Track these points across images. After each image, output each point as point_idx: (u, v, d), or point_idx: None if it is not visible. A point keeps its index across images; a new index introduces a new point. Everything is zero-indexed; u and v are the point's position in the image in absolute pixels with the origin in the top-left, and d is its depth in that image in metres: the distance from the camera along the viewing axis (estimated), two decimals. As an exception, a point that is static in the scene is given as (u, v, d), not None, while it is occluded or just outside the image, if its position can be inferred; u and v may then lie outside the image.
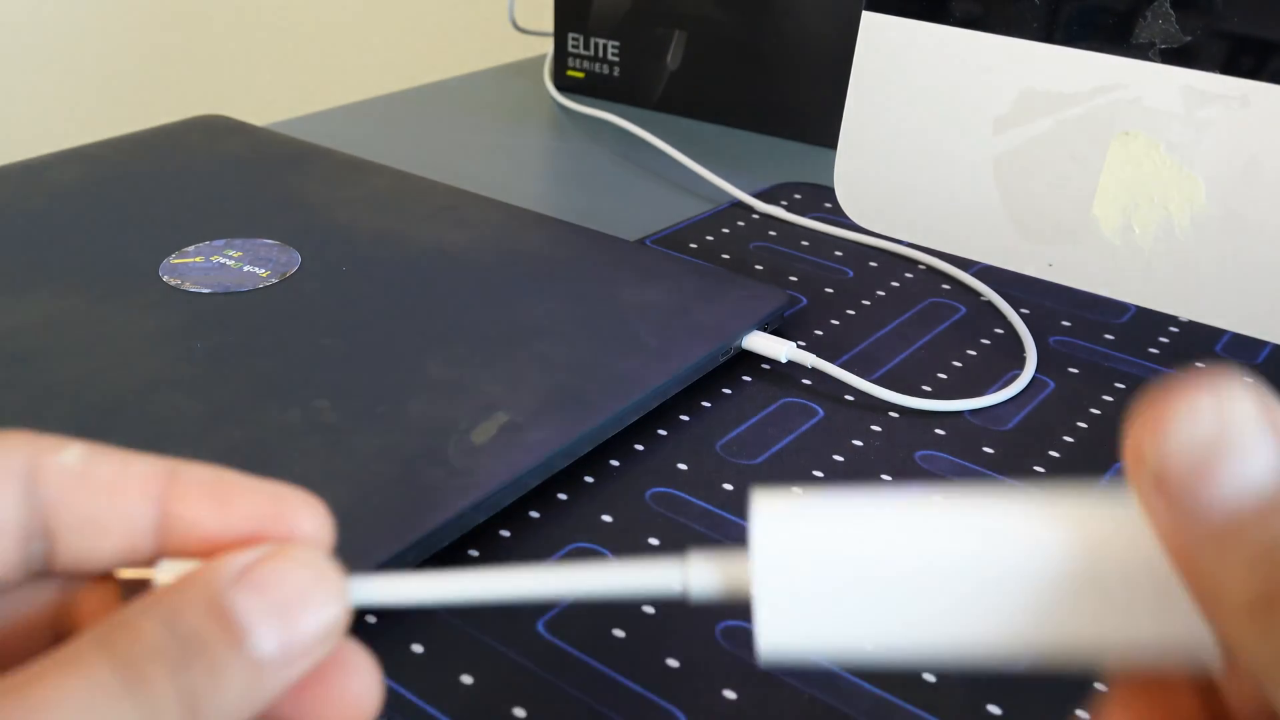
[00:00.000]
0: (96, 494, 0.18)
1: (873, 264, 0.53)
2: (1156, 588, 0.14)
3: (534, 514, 0.35)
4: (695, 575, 0.17)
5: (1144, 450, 0.14)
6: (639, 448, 0.39)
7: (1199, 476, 0.13)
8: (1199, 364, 0.43)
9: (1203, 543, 0.13)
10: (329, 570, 0.18)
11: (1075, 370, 0.44)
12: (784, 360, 0.43)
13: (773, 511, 0.17)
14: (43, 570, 0.19)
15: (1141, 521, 0.14)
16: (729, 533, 0.35)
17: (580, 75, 0.76)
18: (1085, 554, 0.15)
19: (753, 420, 0.40)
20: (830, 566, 0.16)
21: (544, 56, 0.83)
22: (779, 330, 0.46)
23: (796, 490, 0.18)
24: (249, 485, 0.19)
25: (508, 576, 0.18)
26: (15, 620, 0.19)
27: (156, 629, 0.16)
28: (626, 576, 0.18)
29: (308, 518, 0.19)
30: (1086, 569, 0.15)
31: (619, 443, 0.39)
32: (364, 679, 0.18)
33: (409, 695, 0.29)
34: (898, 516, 0.16)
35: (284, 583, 0.17)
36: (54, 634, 0.20)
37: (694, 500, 0.36)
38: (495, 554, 0.34)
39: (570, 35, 0.75)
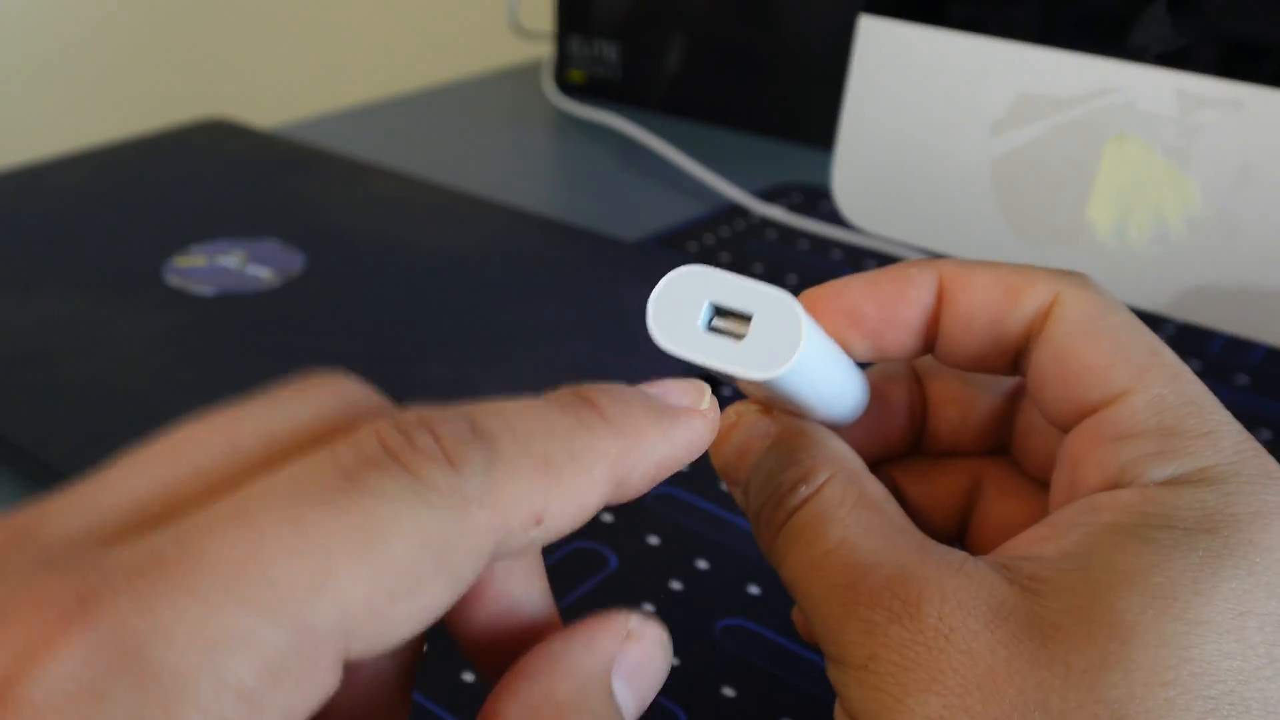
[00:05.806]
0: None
1: (871, 265, 0.53)
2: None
3: (535, 514, 0.36)
4: None
5: (718, 466, 0.23)
6: (639, 448, 0.39)
7: (734, 468, 0.23)
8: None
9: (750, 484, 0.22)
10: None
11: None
12: (783, 361, 0.43)
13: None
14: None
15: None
16: (731, 533, 0.35)
17: (581, 77, 0.76)
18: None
19: (752, 421, 0.41)
20: None
21: (545, 58, 0.83)
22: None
23: None
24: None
25: None
26: None
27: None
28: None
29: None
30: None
31: (619, 443, 0.39)
32: None
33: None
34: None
35: None
36: None
37: (694, 500, 0.37)
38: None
39: (571, 37, 0.76)
